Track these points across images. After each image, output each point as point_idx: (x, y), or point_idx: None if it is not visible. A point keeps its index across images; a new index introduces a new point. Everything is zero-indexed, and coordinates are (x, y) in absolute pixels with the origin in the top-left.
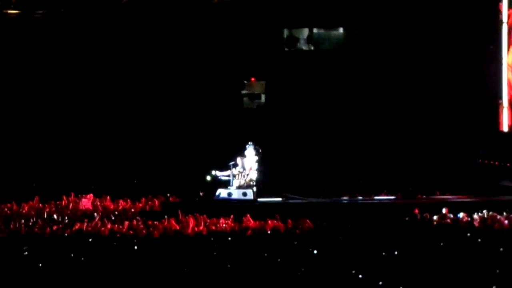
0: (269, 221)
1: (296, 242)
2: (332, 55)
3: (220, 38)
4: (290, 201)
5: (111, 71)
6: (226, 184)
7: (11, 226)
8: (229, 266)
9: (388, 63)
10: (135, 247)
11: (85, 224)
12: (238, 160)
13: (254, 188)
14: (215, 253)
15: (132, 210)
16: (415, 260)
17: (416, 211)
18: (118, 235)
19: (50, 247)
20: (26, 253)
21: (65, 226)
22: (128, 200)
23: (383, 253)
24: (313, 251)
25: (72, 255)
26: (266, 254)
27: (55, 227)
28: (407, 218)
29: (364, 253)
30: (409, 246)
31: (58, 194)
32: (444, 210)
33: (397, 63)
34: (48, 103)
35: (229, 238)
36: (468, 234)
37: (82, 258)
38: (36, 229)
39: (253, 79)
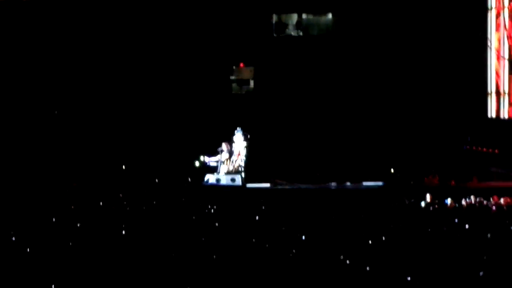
0: None
1: (284, 228)
2: (321, 41)
3: (209, 24)
4: (279, 187)
5: (98, 56)
6: (214, 170)
7: None
8: None
9: (377, 49)
10: None
11: None
12: (224, 145)
13: (243, 174)
14: None
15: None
16: (402, 246)
17: (404, 196)
18: None
19: None
20: None
21: None
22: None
23: (371, 239)
24: (301, 236)
25: None
26: (254, 240)
27: None
28: (394, 204)
29: (352, 239)
30: (397, 231)
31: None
32: (428, 196)
33: (386, 50)
34: (31, 89)
35: None
36: (456, 220)
37: None
38: None
39: (242, 64)
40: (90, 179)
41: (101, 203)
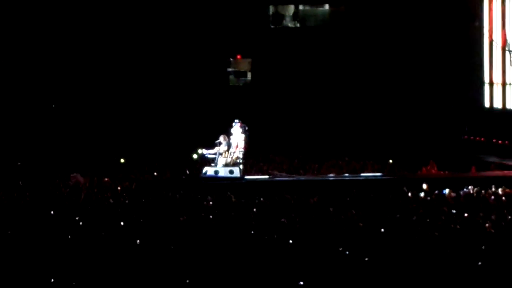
0: None
1: (283, 219)
2: (318, 32)
3: (206, 16)
4: (277, 178)
5: (97, 48)
6: (212, 162)
7: None
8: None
9: (374, 40)
10: None
11: None
12: (221, 138)
13: (241, 166)
14: None
15: (118, 188)
16: (401, 236)
17: (403, 187)
18: None
19: None
20: None
21: None
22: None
23: (369, 229)
24: (299, 228)
25: None
26: (252, 232)
27: None
28: (393, 194)
29: (350, 230)
30: (395, 222)
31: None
32: (424, 186)
33: (384, 41)
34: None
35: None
36: (454, 211)
37: None
38: None
39: (239, 56)
40: (88, 172)
41: (99, 196)
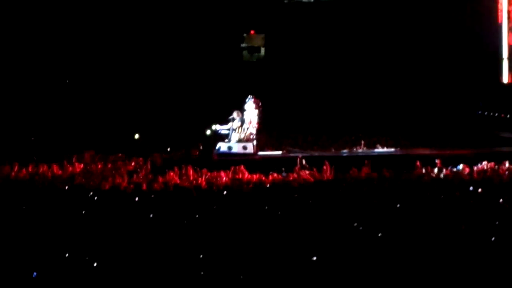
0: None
1: (296, 195)
2: (332, 6)
3: None
4: (291, 154)
5: (112, 33)
6: (226, 137)
7: None
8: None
9: (390, 15)
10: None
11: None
12: (235, 113)
13: (255, 142)
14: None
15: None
16: (414, 212)
17: (418, 163)
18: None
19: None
20: None
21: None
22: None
23: (383, 206)
24: (313, 204)
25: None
26: (266, 207)
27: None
28: (406, 171)
29: (364, 206)
30: (409, 198)
31: (63, 151)
32: (437, 161)
33: (398, 16)
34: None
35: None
36: (469, 187)
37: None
38: None
39: (252, 32)
40: (104, 148)
41: (113, 172)
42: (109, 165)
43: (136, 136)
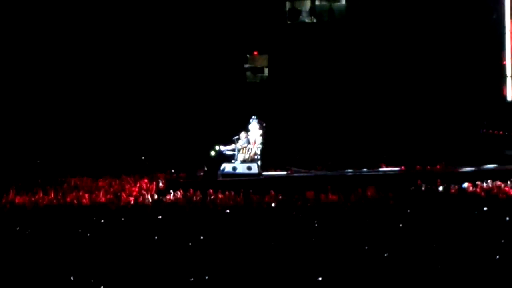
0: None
1: (300, 215)
2: (335, 27)
3: (222, 12)
4: (295, 174)
5: (111, 44)
6: (230, 158)
7: None
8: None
9: (391, 35)
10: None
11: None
12: (242, 134)
13: (259, 162)
14: None
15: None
16: (420, 229)
17: (419, 182)
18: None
19: None
20: None
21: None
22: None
23: (388, 224)
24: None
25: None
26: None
27: None
28: (411, 189)
29: (369, 225)
30: (414, 217)
31: (66, 173)
32: (442, 181)
33: (401, 35)
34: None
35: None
36: (474, 205)
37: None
38: None
39: (255, 52)
40: (109, 168)
41: (118, 194)
42: (114, 187)
43: (142, 158)
